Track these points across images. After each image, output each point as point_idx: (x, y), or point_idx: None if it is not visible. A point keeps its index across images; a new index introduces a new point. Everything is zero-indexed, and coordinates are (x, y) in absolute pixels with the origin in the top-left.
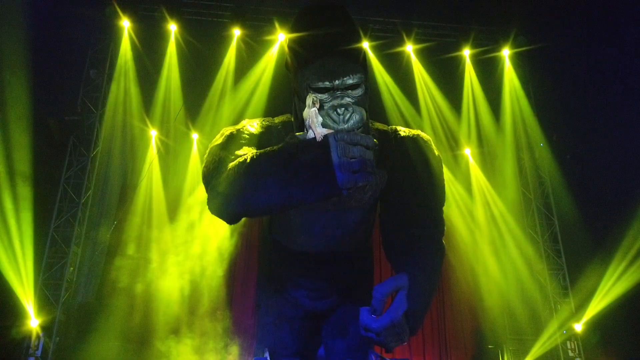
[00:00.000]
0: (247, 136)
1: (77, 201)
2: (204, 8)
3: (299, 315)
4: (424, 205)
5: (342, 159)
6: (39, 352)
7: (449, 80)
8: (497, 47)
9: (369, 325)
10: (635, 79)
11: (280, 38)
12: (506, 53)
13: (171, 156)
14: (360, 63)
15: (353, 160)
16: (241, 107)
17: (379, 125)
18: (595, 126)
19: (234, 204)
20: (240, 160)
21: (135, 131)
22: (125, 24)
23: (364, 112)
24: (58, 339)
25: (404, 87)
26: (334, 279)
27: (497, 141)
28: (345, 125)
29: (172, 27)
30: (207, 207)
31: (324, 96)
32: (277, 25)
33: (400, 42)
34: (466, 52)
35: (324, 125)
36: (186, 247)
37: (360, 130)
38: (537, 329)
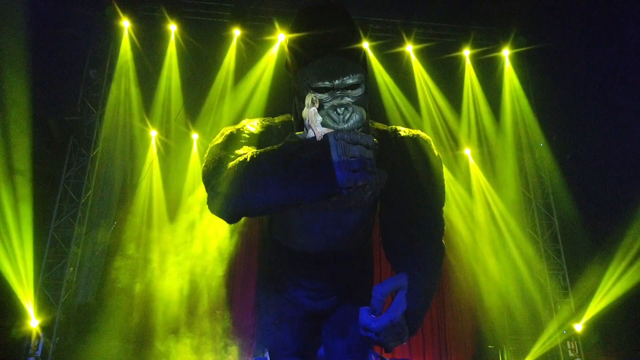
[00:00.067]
0: (247, 136)
1: (77, 201)
2: (203, 8)
3: (299, 315)
4: (423, 205)
5: (342, 158)
6: (39, 352)
7: (449, 80)
8: (497, 47)
9: (368, 325)
10: (635, 79)
11: (280, 38)
12: (506, 53)
13: (171, 156)
14: (360, 63)
15: (353, 159)
16: (241, 107)
17: (379, 125)
18: (595, 126)
19: (234, 204)
20: (240, 160)
21: (135, 131)
22: (125, 24)
23: (363, 111)
24: (58, 339)
25: (404, 87)
26: (334, 279)
27: (497, 141)
28: (345, 125)
29: (172, 27)
30: (207, 206)
31: (324, 96)
32: (277, 25)
33: (400, 42)
34: (466, 52)
35: (323, 124)
36: (186, 247)
37: (360, 130)
38: (537, 329)
